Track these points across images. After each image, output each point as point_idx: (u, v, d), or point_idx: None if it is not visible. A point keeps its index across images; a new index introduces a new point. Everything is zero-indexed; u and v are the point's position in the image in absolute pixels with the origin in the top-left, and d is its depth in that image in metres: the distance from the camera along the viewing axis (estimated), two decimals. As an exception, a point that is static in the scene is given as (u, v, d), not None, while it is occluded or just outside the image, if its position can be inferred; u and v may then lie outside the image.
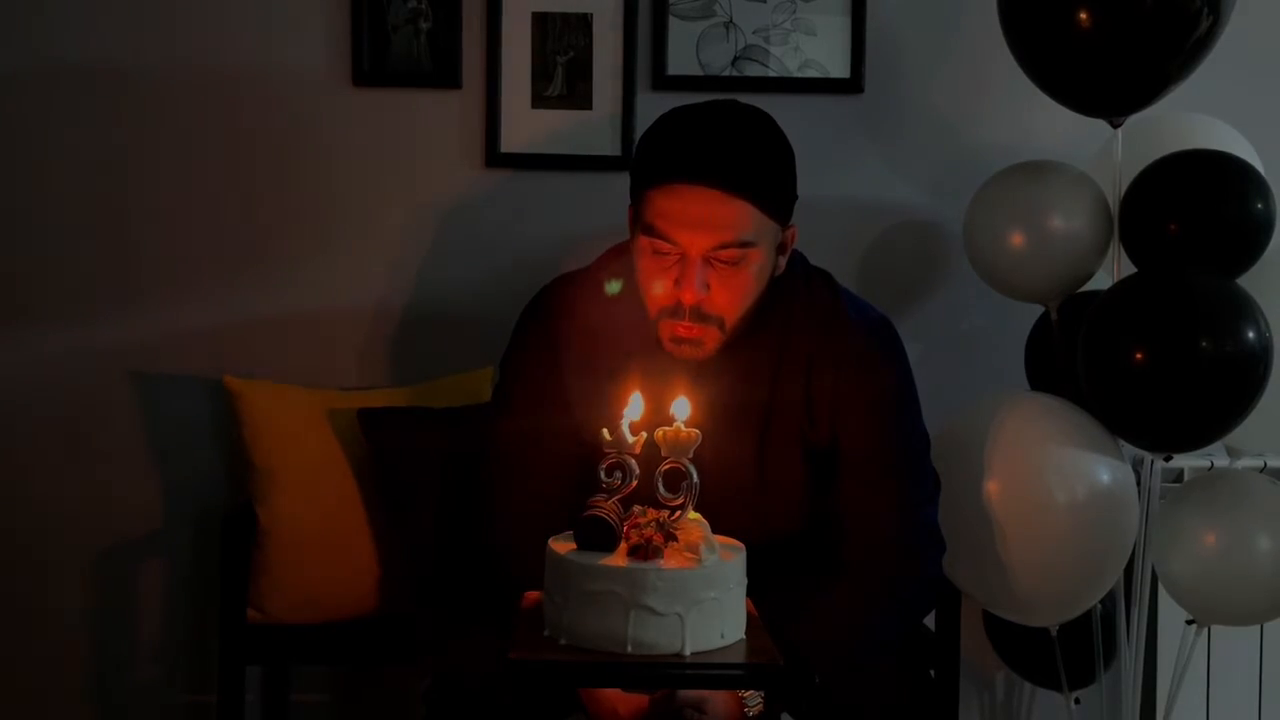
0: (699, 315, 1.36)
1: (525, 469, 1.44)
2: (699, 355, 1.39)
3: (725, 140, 1.35)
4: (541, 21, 2.15)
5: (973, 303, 2.14)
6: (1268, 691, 2.03)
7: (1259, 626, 1.98)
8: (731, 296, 1.37)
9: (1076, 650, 1.90)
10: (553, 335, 1.47)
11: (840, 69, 2.17)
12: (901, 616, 1.42)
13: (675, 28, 2.16)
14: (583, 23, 2.16)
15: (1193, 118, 1.96)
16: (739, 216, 1.34)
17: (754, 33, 2.17)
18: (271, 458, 1.92)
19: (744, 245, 1.35)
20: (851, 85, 2.17)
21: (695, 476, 1.25)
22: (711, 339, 1.38)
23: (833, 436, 1.43)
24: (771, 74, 2.17)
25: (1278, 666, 2.03)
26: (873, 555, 1.41)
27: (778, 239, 1.41)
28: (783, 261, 1.43)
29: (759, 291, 1.40)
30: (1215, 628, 1.90)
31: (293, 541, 1.89)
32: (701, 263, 1.34)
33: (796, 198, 1.43)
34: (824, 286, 1.47)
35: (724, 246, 1.34)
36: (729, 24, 2.18)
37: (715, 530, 1.25)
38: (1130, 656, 1.86)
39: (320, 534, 1.90)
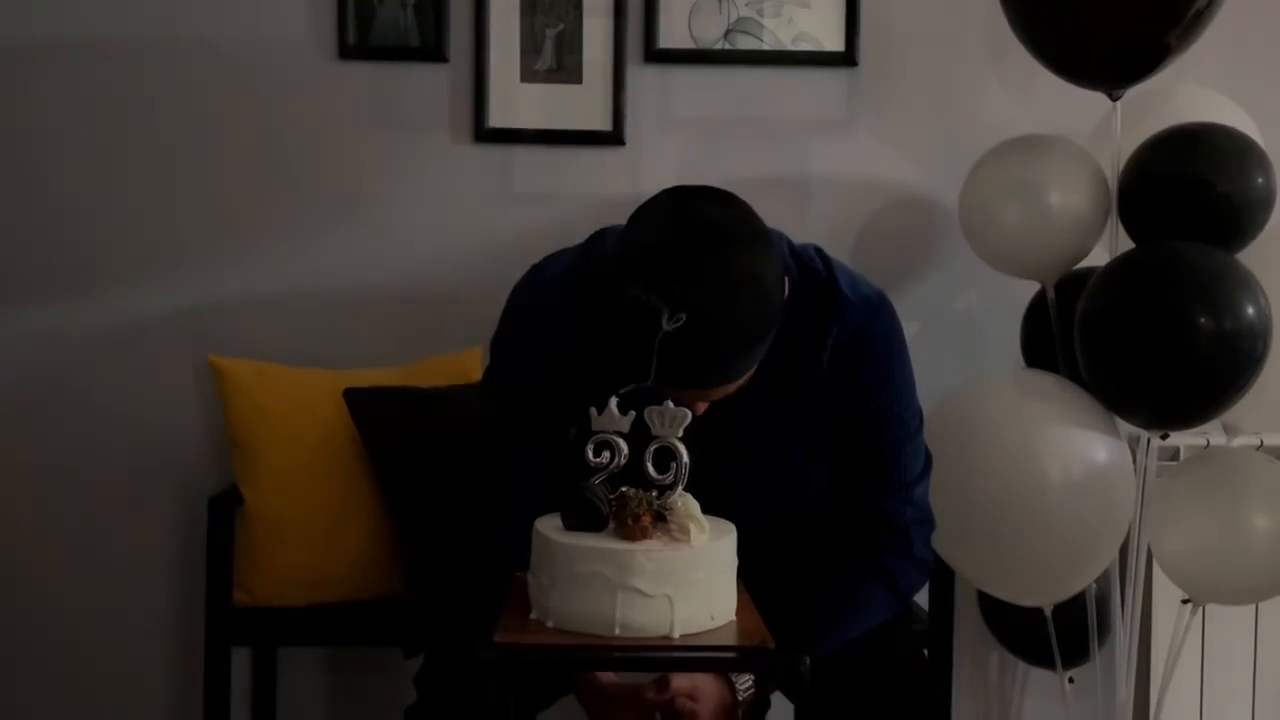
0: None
1: (514, 446, 1.43)
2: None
3: (707, 354, 1.20)
4: (531, -8, 2.12)
5: (969, 280, 2.12)
6: (1261, 670, 2.02)
7: (1254, 605, 1.97)
8: (730, 392, 1.29)
9: (1071, 629, 1.89)
10: (542, 315, 1.44)
11: (835, 42, 2.14)
12: (892, 595, 1.41)
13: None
14: (572, -6, 2.12)
15: (1193, 91, 1.93)
16: (730, 388, 1.28)
17: (747, 5, 2.14)
18: (257, 437, 1.90)
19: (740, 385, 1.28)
20: (846, 59, 2.14)
21: (685, 456, 1.23)
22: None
23: (828, 414, 1.41)
24: (765, 47, 2.14)
25: (1272, 645, 2.02)
26: (863, 533, 1.41)
27: None
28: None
29: None
30: (1210, 606, 1.89)
31: (278, 522, 1.87)
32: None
33: (785, 278, 1.30)
34: (816, 262, 1.43)
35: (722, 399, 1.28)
36: (721, -5, 2.14)
37: (713, 511, 1.23)
38: (1125, 635, 1.84)
39: (306, 515, 1.88)
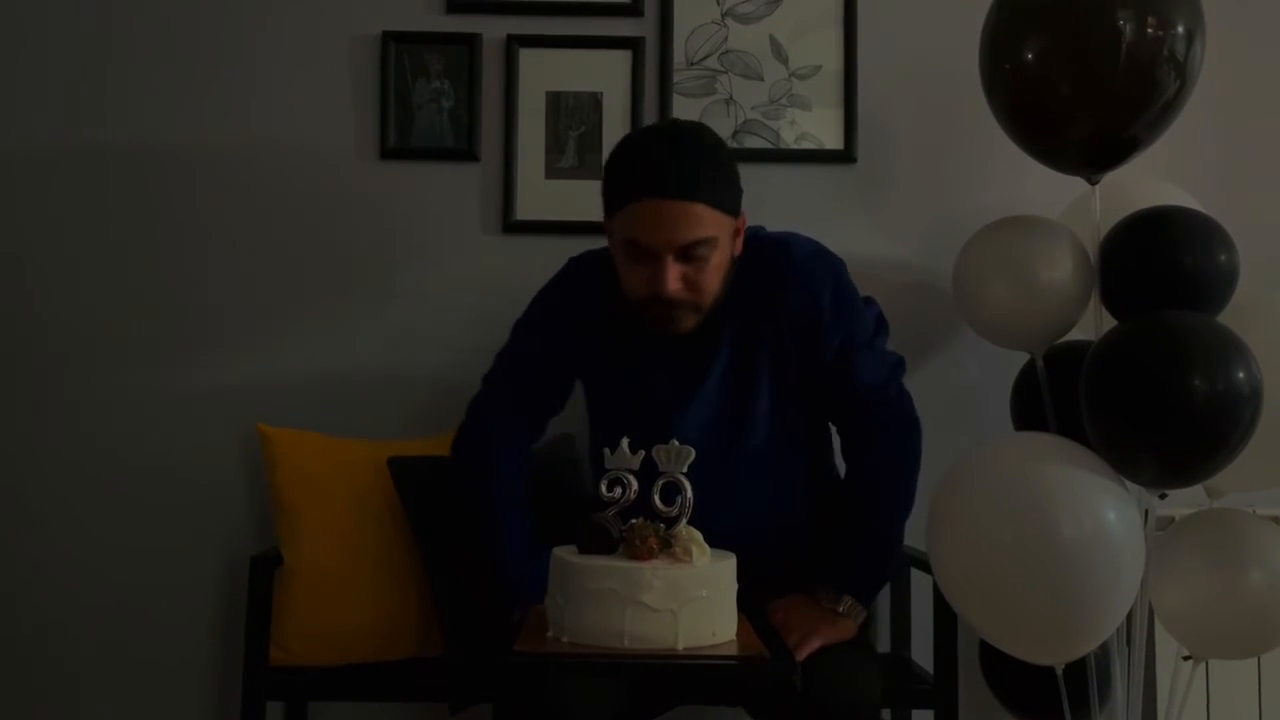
0: (674, 305, 1.58)
1: (512, 378, 1.78)
2: (681, 330, 1.65)
3: (673, 157, 1.58)
4: (555, 99, 2.30)
5: (961, 357, 2.23)
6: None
7: (1256, 660, 2.00)
8: (702, 286, 1.60)
9: (1072, 689, 1.92)
10: (563, 295, 1.79)
11: (834, 141, 2.31)
12: (913, 450, 1.74)
13: (679, 104, 2.30)
14: (593, 100, 2.31)
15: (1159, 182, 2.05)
16: (697, 217, 1.57)
17: (752, 108, 2.31)
18: (299, 502, 1.98)
19: (705, 241, 1.56)
20: (845, 156, 2.30)
21: (689, 491, 1.34)
22: (689, 319, 1.65)
23: (807, 345, 1.70)
24: (770, 146, 2.30)
25: (1276, 698, 2.04)
26: (874, 408, 1.72)
27: (733, 227, 1.64)
28: (739, 243, 1.67)
29: (725, 275, 1.63)
30: (1214, 662, 1.92)
31: (316, 583, 1.95)
32: (673, 260, 1.55)
33: (742, 191, 1.66)
34: (765, 235, 1.76)
35: (690, 245, 1.57)
36: (729, 100, 2.32)
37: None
38: (1126, 694, 1.88)
39: (342, 576, 1.95)
